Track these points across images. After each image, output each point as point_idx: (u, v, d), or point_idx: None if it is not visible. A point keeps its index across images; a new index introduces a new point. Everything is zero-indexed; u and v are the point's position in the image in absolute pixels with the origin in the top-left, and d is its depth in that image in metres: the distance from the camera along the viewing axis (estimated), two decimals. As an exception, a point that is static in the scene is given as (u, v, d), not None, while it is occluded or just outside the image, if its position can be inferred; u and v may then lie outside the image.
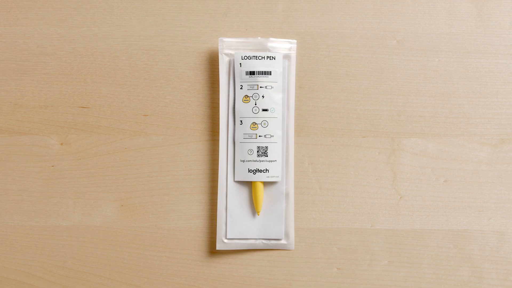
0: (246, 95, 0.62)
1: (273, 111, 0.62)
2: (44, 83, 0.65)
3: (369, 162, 0.64)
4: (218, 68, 0.64)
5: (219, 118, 0.64)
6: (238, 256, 0.63)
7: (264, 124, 0.62)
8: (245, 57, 0.62)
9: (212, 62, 0.65)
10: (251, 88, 0.62)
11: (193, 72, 0.65)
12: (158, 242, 0.64)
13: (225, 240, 0.62)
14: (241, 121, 0.62)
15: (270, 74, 0.62)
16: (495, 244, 0.62)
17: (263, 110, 0.62)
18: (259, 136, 0.62)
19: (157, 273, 0.63)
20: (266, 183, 0.63)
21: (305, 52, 0.65)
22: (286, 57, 0.63)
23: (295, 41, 0.64)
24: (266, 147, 0.62)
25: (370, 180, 0.63)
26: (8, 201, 0.64)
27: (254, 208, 0.63)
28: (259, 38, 0.63)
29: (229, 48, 0.63)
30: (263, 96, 0.62)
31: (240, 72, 0.62)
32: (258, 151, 0.62)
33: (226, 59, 0.63)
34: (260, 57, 0.62)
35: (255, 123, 0.62)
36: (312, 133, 0.64)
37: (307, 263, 0.63)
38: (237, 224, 0.62)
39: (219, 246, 0.62)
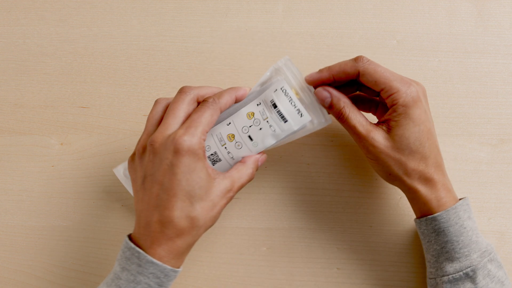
0: (252, 112, 0.55)
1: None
2: (44, 83, 0.65)
3: (369, 162, 0.64)
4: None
5: (219, 118, 0.63)
6: (238, 256, 0.63)
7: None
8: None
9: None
10: (261, 114, 0.54)
11: (193, 72, 0.65)
12: (158, 242, 0.63)
13: None
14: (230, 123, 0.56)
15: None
16: (495, 244, 0.62)
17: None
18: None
19: (157, 273, 0.63)
20: None
21: (305, 52, 0.65)
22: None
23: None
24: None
25: (370, 180, 0.63)
26: (8, 201, 0.64)
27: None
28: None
29: None
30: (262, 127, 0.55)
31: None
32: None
33: None
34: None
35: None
36: (312, 133, 0.64)
37: (307, 263, 0.63)
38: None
39: None
